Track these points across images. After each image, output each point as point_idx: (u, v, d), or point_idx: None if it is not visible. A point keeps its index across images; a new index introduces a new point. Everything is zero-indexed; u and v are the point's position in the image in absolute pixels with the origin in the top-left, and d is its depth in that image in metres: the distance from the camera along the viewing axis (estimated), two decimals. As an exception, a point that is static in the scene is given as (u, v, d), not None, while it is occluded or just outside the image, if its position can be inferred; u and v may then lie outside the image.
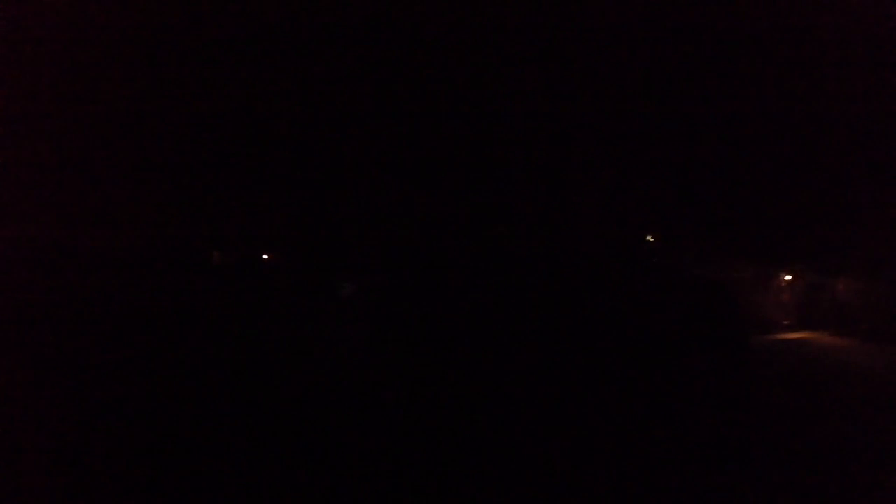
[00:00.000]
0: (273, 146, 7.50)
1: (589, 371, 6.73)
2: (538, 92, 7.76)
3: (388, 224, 7.61)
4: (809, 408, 6.72)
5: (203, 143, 7.21)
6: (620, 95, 7.84)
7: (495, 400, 6.40)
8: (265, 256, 7.47)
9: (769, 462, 5.83)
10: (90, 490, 5.35)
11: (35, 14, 6.77)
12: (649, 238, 8.31)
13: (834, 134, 7.84)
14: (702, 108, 7.91)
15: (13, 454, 5.69)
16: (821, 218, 8.06)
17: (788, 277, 8.64)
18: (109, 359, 6.42)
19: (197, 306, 6.88)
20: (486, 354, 6.77)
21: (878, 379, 7.20)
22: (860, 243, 8.08)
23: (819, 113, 7.79)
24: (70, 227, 6.73)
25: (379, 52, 7.51)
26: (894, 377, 7.39)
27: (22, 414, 6.07)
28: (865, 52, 7.43)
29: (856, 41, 7.41)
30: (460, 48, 7.56)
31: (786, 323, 8.60)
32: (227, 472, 5.59)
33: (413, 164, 7.67)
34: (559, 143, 7.97)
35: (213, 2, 7.04)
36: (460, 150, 7.71)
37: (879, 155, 7.79)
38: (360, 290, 7.25)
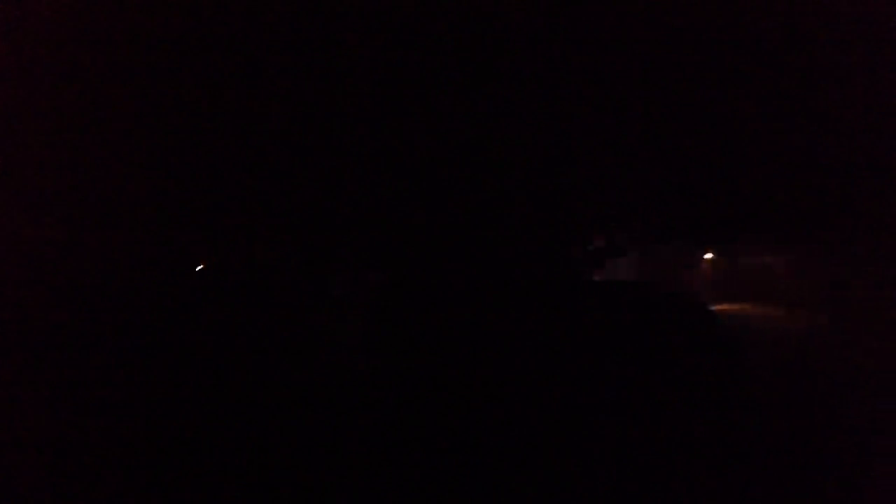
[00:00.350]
0: (264, 140, 7.50)
1: (584, 373, 6.74)
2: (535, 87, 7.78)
3: (382, 219, 7.61)
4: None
5: (195, 139, 7.20)
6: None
7: (491, 401, 6.42)
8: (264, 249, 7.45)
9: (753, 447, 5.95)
10: (88, 490, 5.37)
11: (35, 14, 6.78)
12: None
13: (754, 117, 7.91)
14: (624, 85, 7.93)
15: (11, 454, 5.71)
16: (739, 197, 8.40)
17: (708, 256, 9.41)
18: (102, 359, 6.43)
19: (189, 305, 6.88)
20: (483, 355, 6.78)
21: (795, 337, 8.11)
22: (776, 222, 8.55)
23: (740, 91, 7.82)
24: (65, 226, 6.74)
25: (368, 43, 7.50)
26: (808, 337, 8.21)
27: (20, 413, 6.09)
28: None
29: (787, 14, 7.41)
30: (451, 46, 7.57)
31: (712, 295, 9.56)
32: (222, 472, 5.61)
33: (406, 157, 7.66)
34: (556, 140, 7.98)
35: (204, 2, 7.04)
36: (455, 142, 7.71)
37: (800, 138, 7.87)
38: (353, 287, 7.26)
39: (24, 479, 5.43)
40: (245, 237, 7.46)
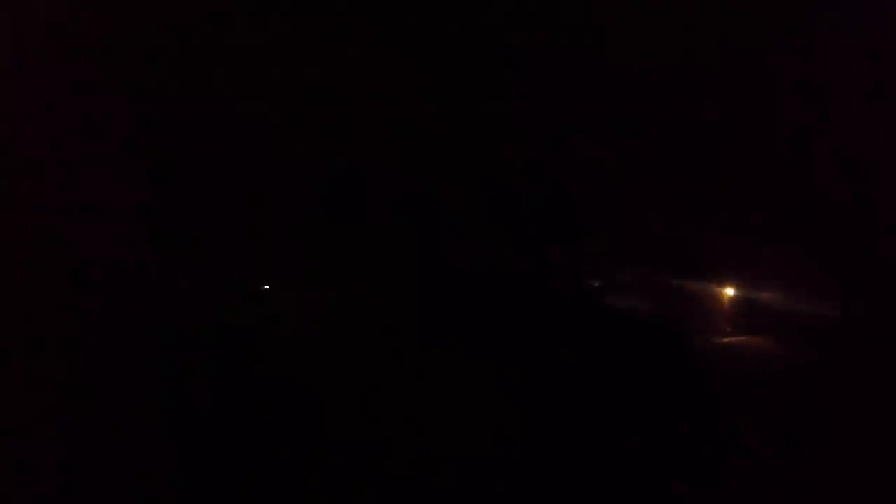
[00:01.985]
0: (271, 138, 7.49)
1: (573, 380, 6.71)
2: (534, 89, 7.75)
3: (376, 224, 7.57)
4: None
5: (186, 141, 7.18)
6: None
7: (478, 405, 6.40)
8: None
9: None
10: (88, 490, 5.40)
11: (34, 14, 6.78)
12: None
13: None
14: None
15: (12, 454, 5.73)
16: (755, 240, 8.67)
17: (730, 291, 10.07)
18: (96, 359, 6.44)
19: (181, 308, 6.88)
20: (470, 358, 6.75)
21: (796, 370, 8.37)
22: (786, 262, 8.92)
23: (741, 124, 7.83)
24: (62, 226, 6.74)
25: (365, 45, 7.47)
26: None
27: (21, 414, 6.11)
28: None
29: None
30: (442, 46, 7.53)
31: (728, 329, 10.28)
32: (223, 472, 5.64)
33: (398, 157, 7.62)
34: (559, 142, 7.95)
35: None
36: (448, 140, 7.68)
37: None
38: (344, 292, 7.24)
39: (23, 479, 5.46)
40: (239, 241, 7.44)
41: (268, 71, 7.46)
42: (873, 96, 7.42)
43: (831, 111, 7.57)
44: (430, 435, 6.09)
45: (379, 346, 6.84)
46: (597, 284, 8.54)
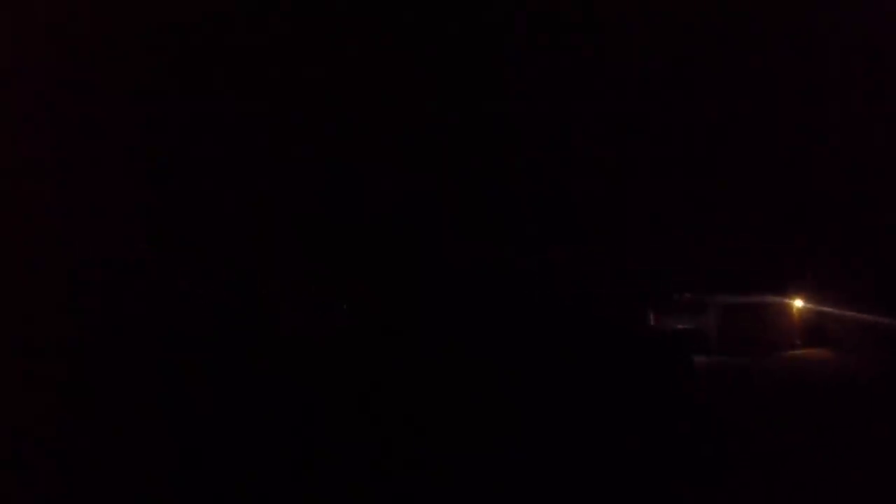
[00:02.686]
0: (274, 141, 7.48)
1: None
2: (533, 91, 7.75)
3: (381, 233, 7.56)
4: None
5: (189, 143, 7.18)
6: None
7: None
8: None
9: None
10: (88, 490, 5.38)
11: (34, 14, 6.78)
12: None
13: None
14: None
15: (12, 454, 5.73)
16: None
17: (799, 304, 10.72)
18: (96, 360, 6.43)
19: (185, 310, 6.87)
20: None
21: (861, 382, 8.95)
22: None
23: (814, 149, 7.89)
24: (62, 227, 6.73)
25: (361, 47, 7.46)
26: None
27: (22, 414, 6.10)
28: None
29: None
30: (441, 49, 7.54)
31: (797, 342, 11.01)
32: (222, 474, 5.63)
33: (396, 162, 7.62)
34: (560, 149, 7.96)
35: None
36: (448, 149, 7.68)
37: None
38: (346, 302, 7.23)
39: (23, 479, 5.45)
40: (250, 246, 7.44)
41: (268, 71, 7.46)
42: (873, 96, 7.43)
43: (831, 111, 7.59)
44: (430, 434, 6.09)
45: (379, 345, 6.84)
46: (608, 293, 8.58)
